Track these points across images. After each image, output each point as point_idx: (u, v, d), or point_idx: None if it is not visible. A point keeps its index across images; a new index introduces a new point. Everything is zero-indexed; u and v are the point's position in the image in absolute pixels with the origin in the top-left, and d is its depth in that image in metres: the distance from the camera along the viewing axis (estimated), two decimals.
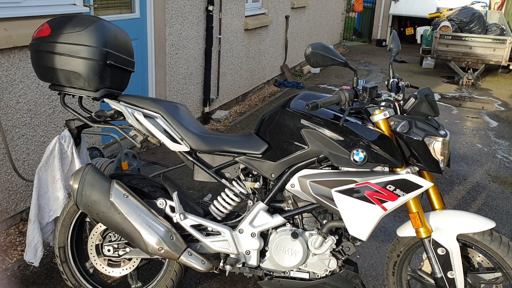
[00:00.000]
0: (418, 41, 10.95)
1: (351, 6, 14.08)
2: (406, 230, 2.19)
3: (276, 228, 2.28)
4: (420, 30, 11.00)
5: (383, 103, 2.10)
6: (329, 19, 10.87)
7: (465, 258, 2.17)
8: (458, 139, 5.69)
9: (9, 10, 3.03)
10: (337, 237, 2.25)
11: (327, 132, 2.09)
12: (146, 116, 2.31)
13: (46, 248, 2.51)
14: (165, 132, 2.30)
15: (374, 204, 2.04)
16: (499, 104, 7.65)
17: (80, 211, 2.39)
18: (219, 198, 2.38)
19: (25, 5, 3.16)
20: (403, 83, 2.28)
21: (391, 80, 2.27)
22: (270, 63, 7.66)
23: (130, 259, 2.45)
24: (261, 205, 2.25)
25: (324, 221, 2.25)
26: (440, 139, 2.03)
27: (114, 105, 2.35)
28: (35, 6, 3.23)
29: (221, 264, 2.31)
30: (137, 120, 2.31)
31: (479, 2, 11.03)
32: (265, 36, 7.22)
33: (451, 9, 10.07)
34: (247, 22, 6.40)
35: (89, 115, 2.41)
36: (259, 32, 6.96)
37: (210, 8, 5.29)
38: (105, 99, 2.36)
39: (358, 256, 3.12)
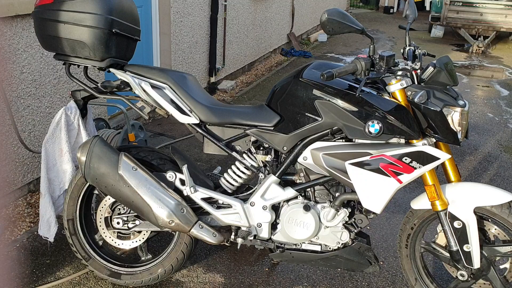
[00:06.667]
0: (427, 8, 10.69)
1: None
2: (421, 203, 2.15)
3: (287, 201, 2.24)
4: None
5: (399, 73, 2.02)
6: None
7: (481, 231, 2.12)
8: (469, 109, 5.60)
9: None
10: (349, 210, 2.21)
11: (342, 103, 2.02)
12: (153, 86, 2.24)
13: (59, 223, 2.48)
14: (174, 104, 2.23)
15: (389, 176, 1.99)
16: (510, 72, 7.51)
17: (88, 183, 2.36)
18: (229, 171, 2.33)
19: None
20: (419, 51, 2.19)
21: (407, 48, 2.18)
22: (276, 31, 7.50)
23: (139, 232, 2.43)
24: (273, 178, 2.21)
25: (337, 194, 2.21)
26: (459, 109, 1.97)
27: (120, 75, 2.28)
28: None
29: (232, 236, 2.29)
30: (144, 91, 2.24)
31: None
32: (271, 2, 7.04)
33: None
34: None
35: (95, 86, 2.34)
36: None
37: None
38: (111, 69, 2.29)
39: (368, 228, 3.09)
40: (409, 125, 1.97)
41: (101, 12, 2.12)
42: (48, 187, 2.39)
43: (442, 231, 2.11)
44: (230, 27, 5.88)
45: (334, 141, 2.12)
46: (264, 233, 2.26)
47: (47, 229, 2.44)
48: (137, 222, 2.38)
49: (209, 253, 2.78)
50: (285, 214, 2.22)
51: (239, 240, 2.26)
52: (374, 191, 2.02)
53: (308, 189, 2.24)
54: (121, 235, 2.44)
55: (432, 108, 1.95)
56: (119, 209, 2.39)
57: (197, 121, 2.24)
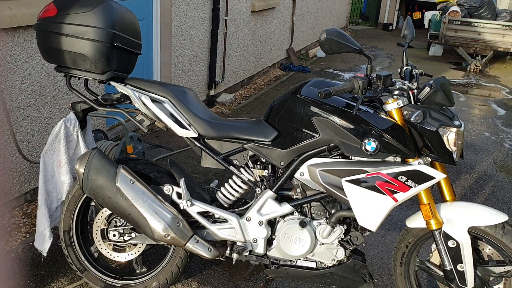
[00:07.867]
0: (426, 26, 10.79)
1: None
2: (416, 221, 2.16)
3: (284, 216, 2.25)
4: (428, 14, 10.83)
5: (396, 92, 2.05)
6: (336, 2, 10.70)
7: (475, 251, 2.14)
8: (466, 127, 5.63)
9: None
10: (345, 227, 2.22)
11: (339, 121, 2.04)
12: (153, 100, 2.26)
13: (55, 234, 2.48)
14: (173, 117, 2.25)
15: (385, 194, 2.01)
16: (507, 92, 7.57)
17: (85, 195, 2.36)
18: (226, 185, 2.35)
19: None
20: (417, 71, 2.23)
21: (405, 68, 2.21)
22: (276, 46, 7.56)
23: (135, 245, 2.43)
24: (269, 193, 2.22)
25: (333, 211, 2.22)
26: (455, 129, 1.99)
27: (121, 88, 2.30)
28: None
29: (228, 251, 2.29)
30: (144, 104, 2.26)
31: None
32: (271, 18, 7.11)
33: None
34: (254, 4, 6.30)
35: (95, 98, 2.36)
36: (265, 14, 6.85)
37: None
38: (111, 82, 2.31)
39: (364, 245, 3.09)
40: (405, 144, 1.99)
41: (103, 26, 2.15)
42: (46, 198, 2.39)
43: (437, 250, 2.12)
44: (230, 42, 5.93)
45: (331, 157, 2.14)
46: (260, 249, 2.26)
47: (42, 242, 2.44)
48: (133, 235, 2.38)
49: (204, 268, 2.78)
50: (281, 230, 2.23)
51: (234, 255, 2.26)
52: (370, 208, 2.03)
53: (305, 205, 2.25)
54: (116, 247, 2.44)
55: (428, 128, 1.97)
56: (116, 221, 2.40)
57: (196, 135, 2.26)
